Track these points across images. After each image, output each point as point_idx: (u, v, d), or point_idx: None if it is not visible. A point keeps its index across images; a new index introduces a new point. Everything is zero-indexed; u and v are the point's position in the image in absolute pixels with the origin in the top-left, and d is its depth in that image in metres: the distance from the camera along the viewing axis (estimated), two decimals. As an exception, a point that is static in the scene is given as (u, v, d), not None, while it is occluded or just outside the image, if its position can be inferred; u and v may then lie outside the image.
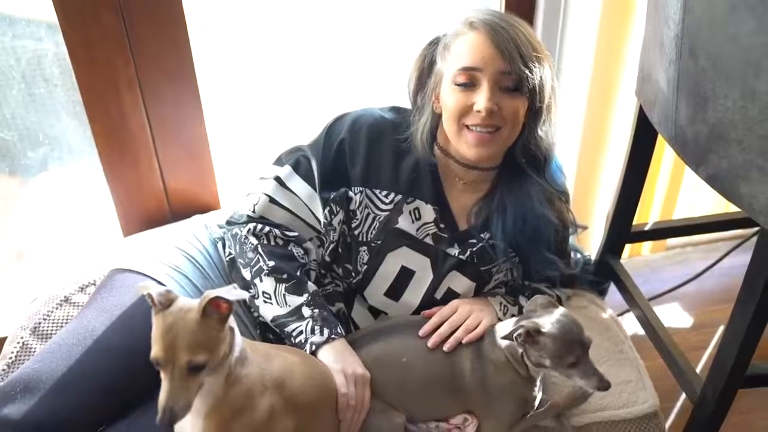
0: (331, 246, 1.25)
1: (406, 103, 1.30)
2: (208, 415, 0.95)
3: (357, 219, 1.23)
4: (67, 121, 1.60)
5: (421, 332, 1.20)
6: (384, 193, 1.23)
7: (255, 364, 1.00)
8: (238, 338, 0.97)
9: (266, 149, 1.76)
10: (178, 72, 1.48)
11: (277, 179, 1.25)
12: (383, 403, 1.15)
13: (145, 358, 0.88)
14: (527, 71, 1.13)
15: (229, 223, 1.28)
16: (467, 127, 1.17)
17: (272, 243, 1.21)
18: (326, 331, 1.13)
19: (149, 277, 1.21)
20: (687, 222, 1.80)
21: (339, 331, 1.15)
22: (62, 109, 1.60)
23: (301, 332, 1.14)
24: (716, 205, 2.07)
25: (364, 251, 1.23)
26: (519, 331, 1.07)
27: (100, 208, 1.67)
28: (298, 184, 1.24)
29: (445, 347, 1.17)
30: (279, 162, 1.28)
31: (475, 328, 1.19)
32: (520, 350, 1.11)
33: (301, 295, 1.17)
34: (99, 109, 1.46)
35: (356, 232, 1.23)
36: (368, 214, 1.23)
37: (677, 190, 2.02)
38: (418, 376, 1.16)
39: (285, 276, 1.17)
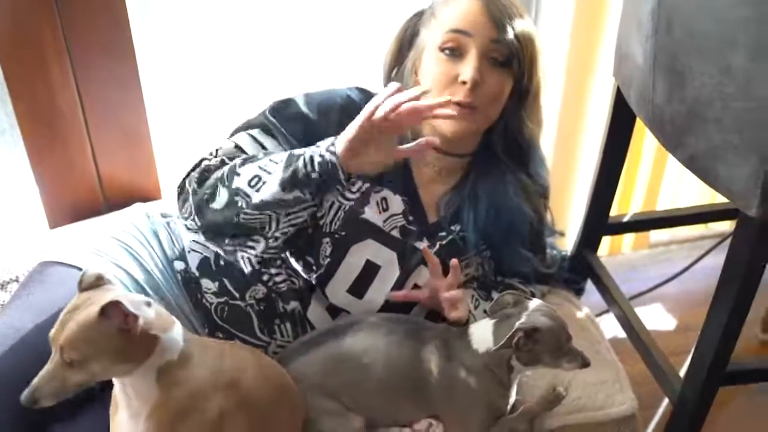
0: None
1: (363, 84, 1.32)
2: (149, 418, 0.97)
3: (323, 208, 1.24)
4: (-16, 98, 1.58)
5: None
6: (351, 180, 1.24)
7: (204, 364, 1.01)
8: (175, 341, 0.98)
9: (214, 132, 1.76)
10: (113, 44, 1.47)
11: (249, 135, 1.24)
12: (340, 405, 1.16)
13: None
14: (518, 44, 1.18)
15: (182, 185, 1.24)
16: None
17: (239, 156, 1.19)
18: (329, 139, 1.11)
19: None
20: (669, 213, 1.85)
21: None
22: (-21, 86, 1.58)
23: (311, 158, 1.10)
24: (703, 196, 2.12)
25: (327, 243, 1.24)
26: (518, 335, 1.08)
27: (23, 197, 1.65)
28: (269, 142, 1.24)
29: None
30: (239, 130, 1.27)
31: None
32: (508, 354, 1.12)
33: (285, 152, 1.14)
34: (23, 84, 1.45)
35: (321, 222, 1.24)
36: (333, 202, 1.24)
37: (660, 179, 2.07)
38: (380, 377, 1.17)
39: (260, 156, 1.16)
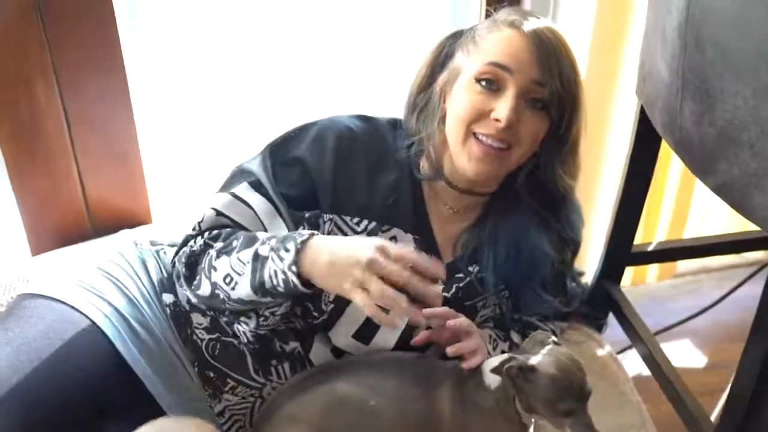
0: None
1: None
2: None
3: None
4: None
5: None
6: (356, 220, 1.21)
7: None
8: None
9: (207, 154, 1.75)
10: (102, 60, 1.46)
11: (232, 194, 1.21)
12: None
13: (56, 399, 0.88)
14: (561, 89, 1.13)
15: (173, 263, 1.23)
16: (475, 136, 1.15)
17: (222, 235, 1.17)
18: (291, 245, 1.05)
19: (67, 305, 1.17)
20: (698, 242, 1.81)
21: (305, 235, 1.07)
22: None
23: (275, 272, 1.05)
24: (732, 223, 2.10)
25: None
26: (510, 363, 1.05)
27: (3, 221, 1.63)
28: (255, 198, 1.20)
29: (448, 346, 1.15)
30: (226, 187, 1.24)
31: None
32: (512, 392, 1.09)
33: (252, 245, 1.10)
34: (5, 102, 1.44)
35: None
36: None
37: (687, 205, 2.05)
38: (388, 423, 1.13)
39: (234, 244, 1.13)
